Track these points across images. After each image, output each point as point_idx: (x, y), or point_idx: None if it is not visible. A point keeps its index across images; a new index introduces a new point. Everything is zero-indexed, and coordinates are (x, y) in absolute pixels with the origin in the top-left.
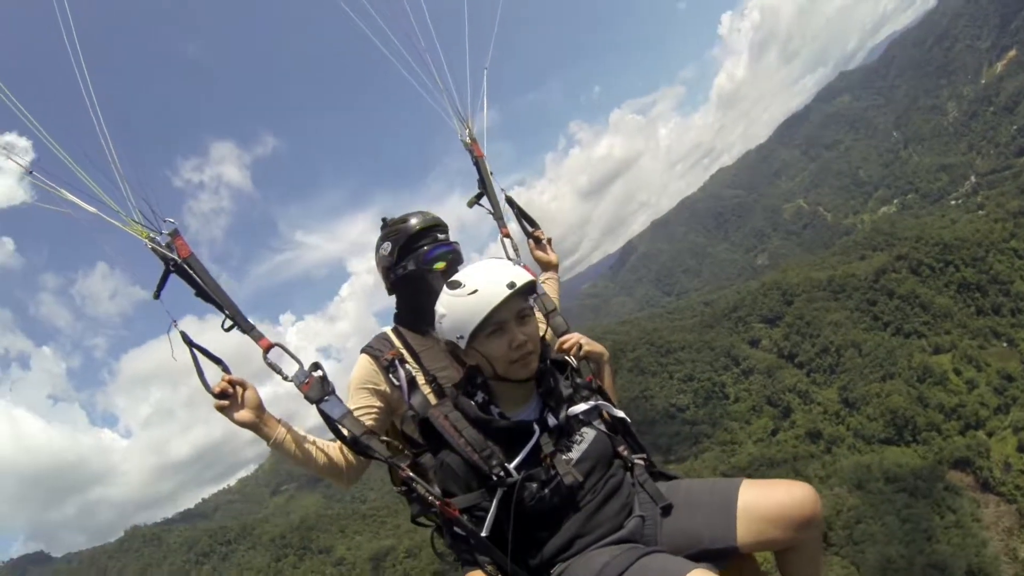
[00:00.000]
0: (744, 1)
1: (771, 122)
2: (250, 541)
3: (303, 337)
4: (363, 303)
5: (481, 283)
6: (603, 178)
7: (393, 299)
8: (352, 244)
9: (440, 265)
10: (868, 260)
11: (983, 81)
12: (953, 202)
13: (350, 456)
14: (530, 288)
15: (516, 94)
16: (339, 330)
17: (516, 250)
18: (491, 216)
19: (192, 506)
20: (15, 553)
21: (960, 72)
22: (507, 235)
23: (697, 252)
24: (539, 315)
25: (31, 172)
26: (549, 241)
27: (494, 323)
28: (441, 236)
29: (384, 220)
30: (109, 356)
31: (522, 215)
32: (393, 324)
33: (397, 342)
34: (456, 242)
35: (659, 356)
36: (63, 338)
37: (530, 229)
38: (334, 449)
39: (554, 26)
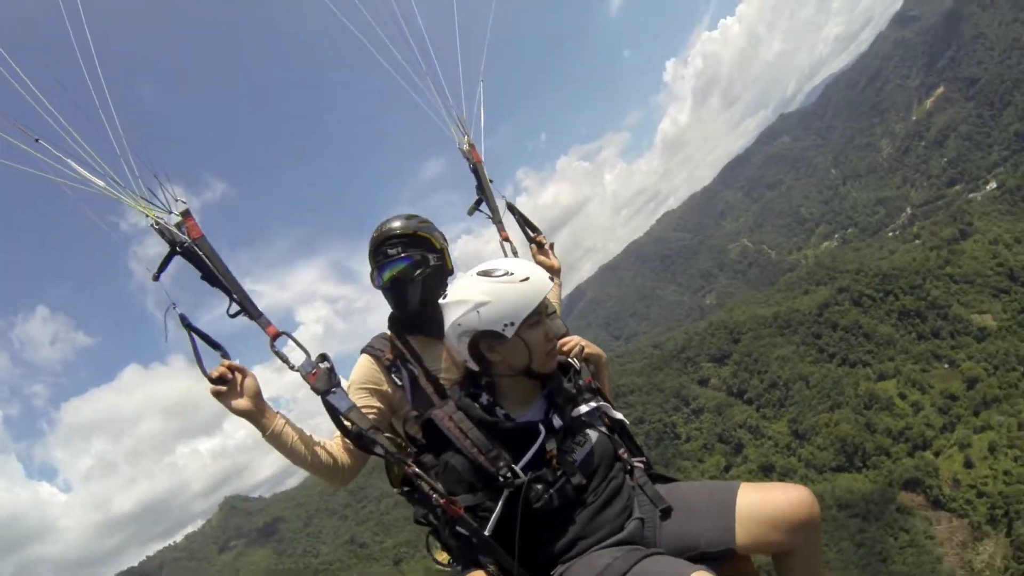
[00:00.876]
0: (687, 49)
1: (715, 164)
2: None
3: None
4: (312, 351)
5: (530, 272)
6: (550, 225)
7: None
8: (300, 293)
9: (387, 279)
10: (812, 294)
11: (914, 118)
12: (891, 234)
13: (346, 456)
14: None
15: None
16: (288, 381)
17: (516, 254)
18: (489, 219)
19: (136, 564)
20: None
21: (892, 110)
22: (506, 238)
23: (645, 295)
24: (558, 323)
25: (36, 140)
26: (551, 246)
27: (538, 313)
28: (392, 251)
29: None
30: (49, 405)
31: (524, 222)
32: (388, 326)
33: (398, 343)
34: (409, 253)
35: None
36: (0, 385)
37: (532, 235)
38: (331, 446)
39: (500, 74)
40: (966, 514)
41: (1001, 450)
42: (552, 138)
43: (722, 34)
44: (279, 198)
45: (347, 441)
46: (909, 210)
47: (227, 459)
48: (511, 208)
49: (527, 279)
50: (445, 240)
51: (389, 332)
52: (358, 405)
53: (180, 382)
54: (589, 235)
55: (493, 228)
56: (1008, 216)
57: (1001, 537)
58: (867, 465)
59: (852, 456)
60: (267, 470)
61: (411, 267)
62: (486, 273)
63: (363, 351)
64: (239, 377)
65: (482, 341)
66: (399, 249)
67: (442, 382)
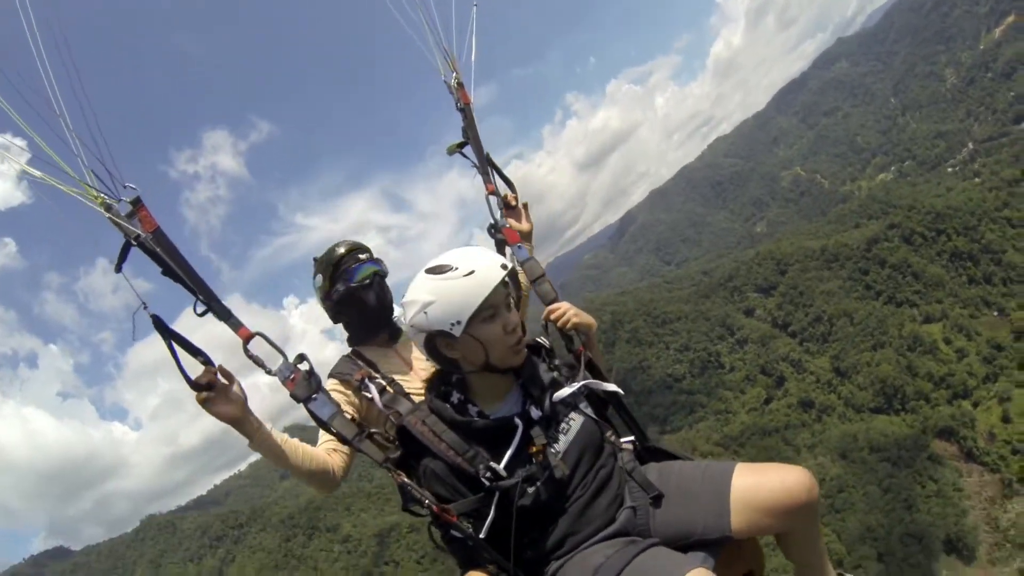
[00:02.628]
0: None
1: (770, 88)
2: (260, 523)
3: (307, 320)
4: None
5: (476, 265)
6: (601, 149)
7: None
8: (353, 224)
9: (363, 277)
10: (862, 228)
11: (981, 47)
12: (950, 169)
13: (333, 460)
14: (513, 273)
15: (512, 67)
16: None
17: (501, 209)
18: (473, 167)
19: (204, 492)
20: (35, 549)
21: (958, 38)
22: (493, 192)
23: (696, 221)
24: (524, 282)
25: None
26: (525, 206)
27: (490, 307)
28: (362, 256)
29: (314, 259)
30: (116, 350)
31: (501, 176)
32: (349, 348)
33: (360, 361)
34: (379, 259)
35: (656, 327)
36: (70, 335)
37: (506, 191)
38: (319, 453)
39: None
40: (998, 469)
41: None
42: (602, 62)
43: None
44: (325, 133)
45: (331, 444)
46: (971, 145)
47: (285, 392)
48: (488, 160)
49: (471, 273)
50: None
51: (350, 354)
52: None
53: (240, 318)
54: (641, 160)
55: (543, 152)
56: None
57: None
58: (905, 409)
59: (891, 398)
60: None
61: (380, 269)
62: (433, 270)
63: (330, 376)
64: (225, 384)
65: (437, 340)
66: (368, 255)
67: (404, 387)
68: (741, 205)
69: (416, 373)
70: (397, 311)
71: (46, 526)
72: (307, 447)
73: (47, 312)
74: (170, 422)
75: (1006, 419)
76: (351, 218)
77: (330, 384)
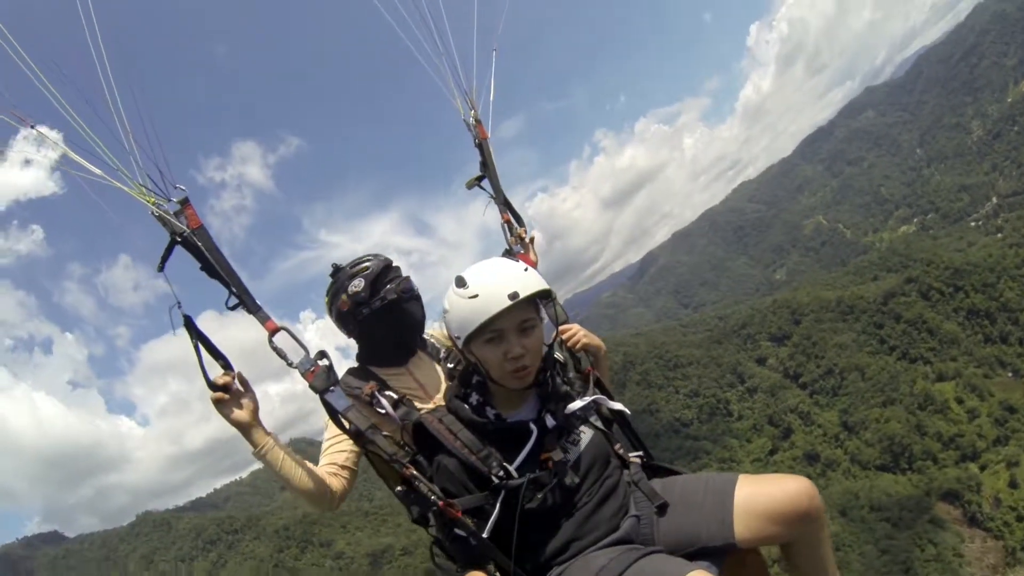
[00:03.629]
0: (772, 13)
1: (797, 135)
2: (255, 531)
3: (322, 335)
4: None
5: (483, 288)
6: (627, 187)
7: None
8: (375, 244)
9: (398, 290)
10: (880, 281)
11: (1009, 99)
12: (973, 223)
13: (334, 481)
14: (542, 296)
15: (542, 100)
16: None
17: (515, 237)
18: (491, 198)
19: (204, 495)
20: (30, 532)
21: (986, 89)
22: (508, 221)
23: (716, 265)
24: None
25: (33, 126)
26: (532, 240)
27: (492, 331)
28: (394, 275)
29: (335, 266)
30: (130, 345)
31: (511, 211)
32: (357, 363)
33: (368, 375)
34: (406, 277)
35: (667, 370)
36: (86, 326)
37: (515, 226)
38: (320, 473)
39: (580, 33)
40: (1002, 536)
41: None
42: (631, 100)
43: None
44: (353, 153)
45: (334, 468)
46: (995, 200)
47: (295, 403)
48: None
49: (475, 296)
50: None
51: (357, 368)
52: (336, 448)
53: (253, 330)
54: (666, 200)
55: (569, 188)
56: None
57: None
58: (912, 468)
59: (898, 457)
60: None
61: (414, 289)
62: (458, 280)
63: None
64: (241, 390)
65: (455, 343)
66: (398, 272)
67: (414, 401)
68: (762, 251)
69: (427, 393)
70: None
71: (43, 510)
72: (309, 465)
73: (66, 301)
74: (177, 422)
75: (1013, 484)
76: (374, 238)
77: None
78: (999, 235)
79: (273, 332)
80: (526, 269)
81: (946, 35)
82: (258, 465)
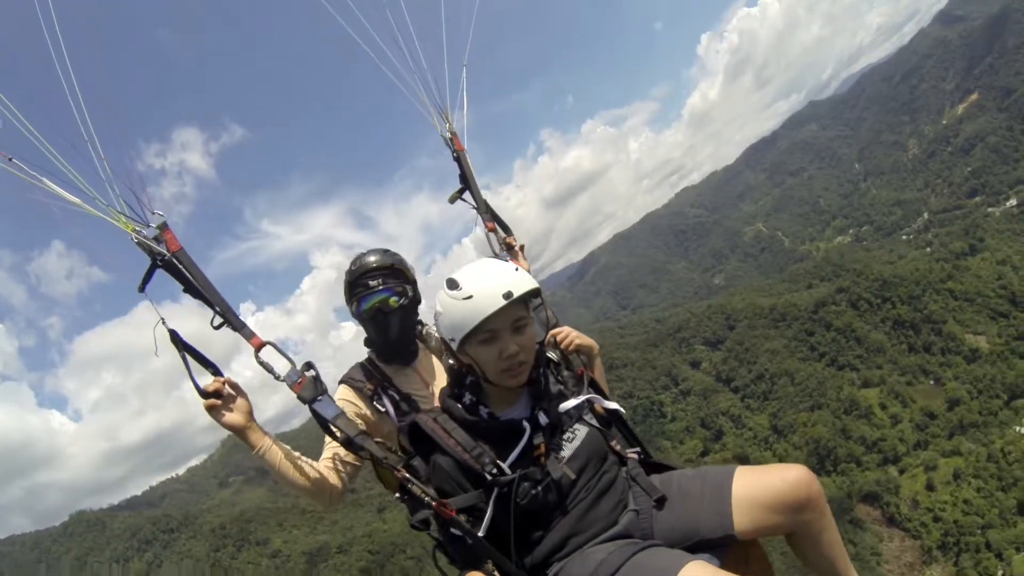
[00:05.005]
0: (723, 23)
1: (741, 143)
2: (192, 530)
3: (261, 328)
4: (323, 297)
5: (477, 289)
6: (571, 187)
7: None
8: (317, 236)
9: (368, 308)
10: (811, 291)
11: (944, 121)
12: (904, 237)
13: (334, 477)
14: (532, 295)
15: (490, 98)
16: (298, 323)
17: (502, 245)
18: (473, 212)
19: (139, 493)
20: None
21: (923, 110)
22: (492, 229)
23: (656, 268)
24: (545, 314)
25: (10, 159)
26: (522, 248)
27: (486, 331)
28: (372, 283)
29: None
30: (62, 337)
31: (497, 220)
32: (367, 354)
33: (374, 372)
34: (389, 284)
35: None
36: (17, 316)
37: (502, 235)
38: (320, 468)
39: (532, 33)
40: (919, 536)
41: (965, 478)
42: (579, 101)
43: (761, 12)
44: (297, 144)
45: (335, 463)
46: (926, 215)
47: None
48: (486, 207)
49: (469, 298)
50: (415, 272)
51: (365, 361)
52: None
53: (192, 322)
54: (609, 202)
55: (512, 186)
56: (1022, 237)
57: (949, 565)
58: (836, 471)
59: (824, 459)
60: (271, 410)
61: (391, 297)
62: (449, 282)
63: (342, 381)
64: (232, 394)
65: (447, 345)
66: (380, 280)
67: (417, 400)
68: (702, 256)
69: (433, 390)
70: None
71: None
72: (308, 462)
73: None
74: (112, 416)
75: (931, 487)
76: (316, 230)
77: (341, 390)
78: (928, 249)
79: (259, 347)
80: (516, 269)
81: (890, 56)
82: (195, 461)
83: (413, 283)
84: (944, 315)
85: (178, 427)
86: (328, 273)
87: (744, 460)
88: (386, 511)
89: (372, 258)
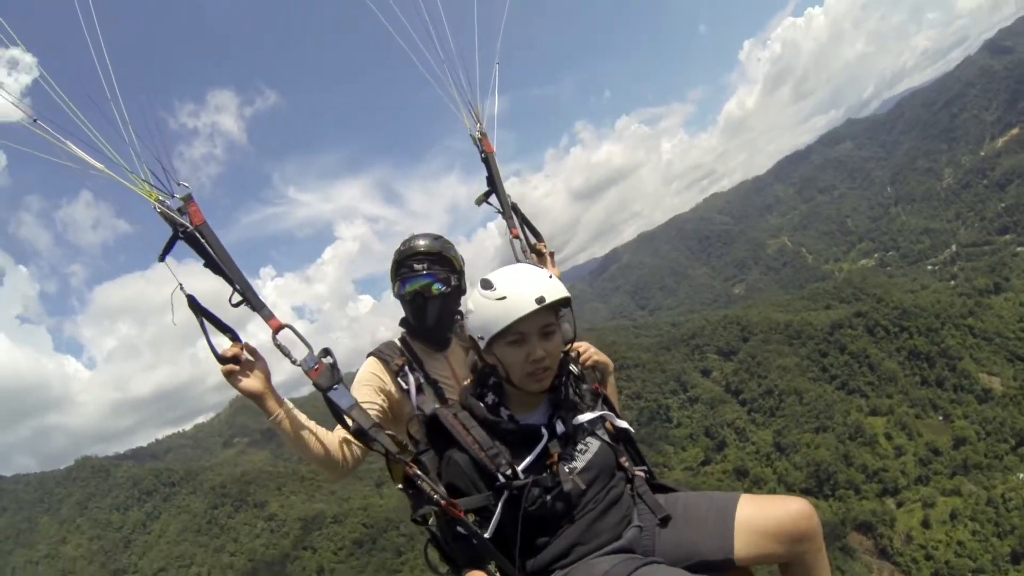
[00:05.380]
0: (767, 32)
1: (774, 155)
2: (192, 486)
3: (281, 294)
4: (344, 269)
5: (511, 291)
6: (600, 182)
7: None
8: (343, 207)
9: (409, 292)
10: (830, 311)
11: (982, 153)
12: (930, 267)
13: (348, 451)
14: (563, 303)
15: (527, 84)
16: (316, 292)
17: (526, 252)
18: (498, 213)
19: (145, 444)
20: None
21: (962, 140)
22: (517, 236)
23: (677, 271)
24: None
25: (35, 120)
26: (552, 255)
27: (516, 333)
28: (418, 267)
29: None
30: (84, 285)
31: (526, 224)
32: (402, 332)
33: (406, 350)
34: (434, 271)
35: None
36: (42, 261)
37: (533, 241)
38: (334, 439)
39: (575, 23)
40: (908, 572)
41: (962, 519)
42: (616, 97)
43: (806, 23)
44: (330, 113)
45: (347, 433)
46: (954, 247)
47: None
48: (515, 209)
49: (503, 298)
50: (463, 262)
51: (399, 339)
52: (363, 399)
53: (209, 279)
54: (637, 200)
55: (542, 175)
56: None
57: None
58: (834, 495)
59: (823, 483)
60: (281, 375)
61: (433, 284)
62: (483, 282)
63: (371, 354)
64: (250, 360)
65: (474, 344)
66: (425, 266)
67: (443, 388)
68: (724, 264)
69: (460, 384)
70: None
71: None
72: (325, 432)
73: (22, 233)
74: (125, 367)
75: (926, 524)
76: (343, 201)
77: (370, 363)
78: (952, 282)
79: (277, 329)
80: (550, 276)
81: (933, 81)
82: (202, 419)
83: (459, 273)
84: (961, 351)
85: (189, 384)
86: (351, 245)
87: (743, 474)
88: (384, 486)
89: (422, 242)
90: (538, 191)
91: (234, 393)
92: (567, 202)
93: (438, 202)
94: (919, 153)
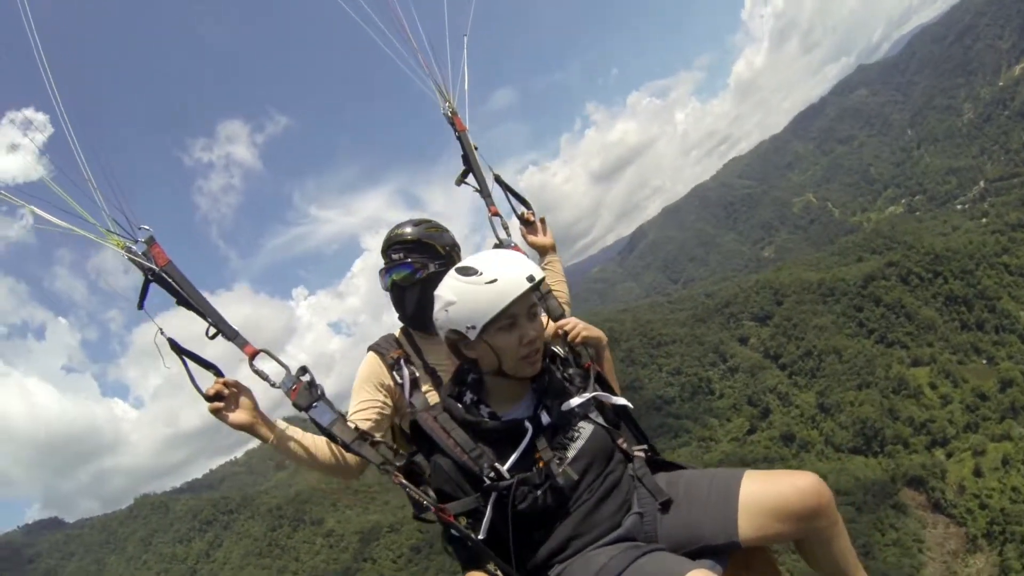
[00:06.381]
0: None
1: (789, 111)
2: (250, 511)
3: (315, 312)
4: (375, 279)
5: (501, 273)
6: (618, 161)
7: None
8: (367, 219)
9: (390, 282)
10: (860, 264)
11: (1000, 83)
12: (959, 207)
13: (348, 455)
14: (540, 282)
15: (534, 74)
16: (350, 306)
17: (506, 228)
18: (476, 192)
19: (200, 476)
20: (31, 519)
21: (979, 72)
22: (496, 213)
23: (705, 241)
24: (552, 303)
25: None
26: (543, 221)
27: (508, 316)
28: (395, 256)
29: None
30: (123, 329)
31: (511, 193)
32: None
33: (404, 341)
34: (411, 259)
35: (651, 348)
36: (79, 311)
37: (520, 210)
38: (333, 447)
39: (573, 4)
40: (964, 523)
41: (1015, 464)
42: (624, 73)
43: None
44: (342, 128)
45: None
46: (982, 184)
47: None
48: (498, 181)
49: (494, 281)
50: (454, 247)
51: (398, 332)
52: (365, 398)
53: (245, 307)
54: (656, 174)
55: (559, 161)
56: None
57: (993, 555)
58: (883, 452)
59: (871, 440)
60: (327, 393)
61: (410, 274)
62: (461, 270)
63: (370, 349)
64: (235, 392)
65: (455, 339)
66: (402, 255)
67: (442, 377)
68: (751, 228)
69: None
70: None
71: (42, 496)
72: (322, 443)
73: (58, 287)
74: (171, 403)
75: (978, 473)
76: (366, 212)
77: (368, 358)
78: (984, 220)
79: (253, 355)
80: (525, 256)
81: (942, 15)
82: (252, 445)
83: (444, 258)
84: (999, 291)
85: None
86: (379, 256)
87: (790, 439)
88: None
89: (400, 229)
90: (557, 177)
91: (280, 416)
92: (588, 185)
93: (460, 202)
94: (936, 91)
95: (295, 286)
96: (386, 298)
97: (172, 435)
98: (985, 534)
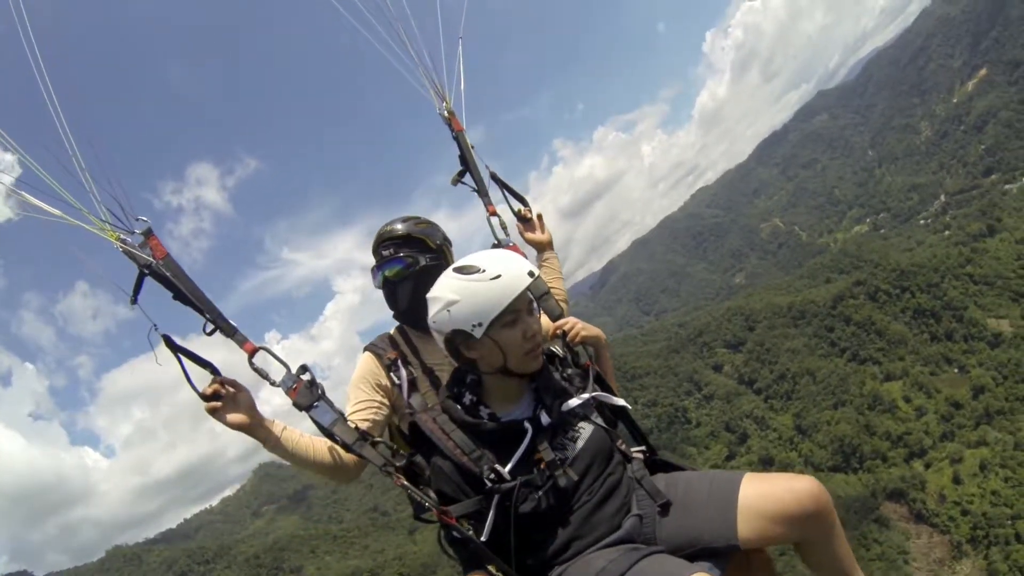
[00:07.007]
0: (727, 19)
1: (755, 138)
2: (226, 561)
3: (288, 356)
4: (347, 322)
5: (504, 269)
6: (586, 196)
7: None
8: (338, 261)
9: (382, 279)
10: (829, 286)
11: (955, 100)
12: (922, 222)
13: (348, 457)
14: (539, 278)
15: (501, 111)
16: (323, 349)
17: (504, 228)
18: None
19: (174, 526)
20: None
21: (933, 91)
22: (494, 213)
23: (676, 271)
24: (551, 303)
25: None
26: (539, 217)
27: (512, 312)
28: (385, 252)
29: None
30: (92, 375)
31: (508, 191)
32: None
33: (401, 341)
34: (401, 255)
35: (625, 381)
36: (47, 356)
37: (518, 207)
38: (334, 448)
39: (538, 44)
40: (948, 531)
41: (992, 468)
42: (589, 109)
43: (763, 4)
44: (313, 170)
45: None
46: (943, 198)
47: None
48: (495, 178)
49: (498, 277)
50: (445, 240)
51: (394, 331)
52: (362, 398)
53: (217, 353)
54: (625, 208)
55: (529, 197)
56: None
57: (979, 559)
58: (862, 468)
59: (849, 457)
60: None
61: (402, 269)
62: (461, 269)
63: (366, 348)
64: (232, 392)
65: (457, 339)
66: (392, 251)
67: (439, 376)
68: (721, 256)
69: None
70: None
71: (9, 549)
72: (321, 444)
73: (24, 332)
74: (143, 451)
75: (957, 480)
76: (337, 255)
77: (365, 358)
78: (946, 232)
79: (252, 353)
80: (523, 255)
81: (896, 38)
82: (228, 492)
83: (435, 251)
84: (964, 301)
85: (209, 458)
86: (351, 297)
87: (770, 462)
88: (416, 532)
89: (388, 227)
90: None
91: (256, 463)
92: (557, 222)
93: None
94: (894, 111)
95: (267, 330)
96: (358, 343)
97: (145, 484)
98: (969, 539)
